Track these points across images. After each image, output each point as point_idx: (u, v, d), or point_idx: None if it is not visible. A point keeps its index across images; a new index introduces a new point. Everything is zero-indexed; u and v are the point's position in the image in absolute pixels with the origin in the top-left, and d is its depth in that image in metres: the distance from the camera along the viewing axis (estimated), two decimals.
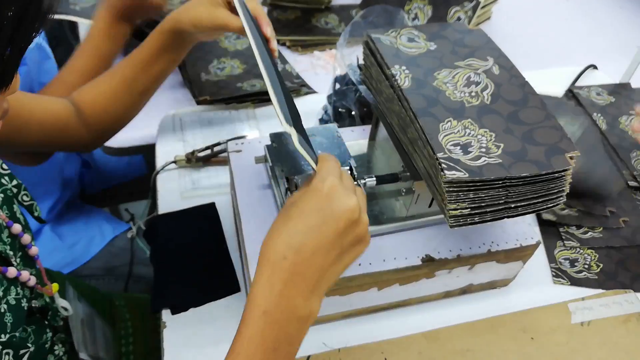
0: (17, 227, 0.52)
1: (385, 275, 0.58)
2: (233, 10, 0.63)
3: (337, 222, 0.41)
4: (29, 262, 0.55)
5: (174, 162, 0.80)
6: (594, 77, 1.09)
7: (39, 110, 0.64)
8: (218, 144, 0.82)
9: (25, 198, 0.55)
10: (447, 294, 0.66)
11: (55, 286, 0.58)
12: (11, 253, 0.51)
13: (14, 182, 0.54)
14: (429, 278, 0.61)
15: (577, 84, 1.06)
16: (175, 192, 0.78)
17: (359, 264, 0.57)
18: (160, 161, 0.82)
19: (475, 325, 0.64)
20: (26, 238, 0.54)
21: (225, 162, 0.82)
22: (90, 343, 0.62)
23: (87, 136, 0.71)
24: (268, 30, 0.62)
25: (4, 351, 0.49)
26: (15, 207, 0.54)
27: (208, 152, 0.81)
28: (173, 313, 0.63)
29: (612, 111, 0.98)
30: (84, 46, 0.81)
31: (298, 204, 0.42)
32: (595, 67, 1.10)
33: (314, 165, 0.44)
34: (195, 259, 0.69)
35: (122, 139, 0.89)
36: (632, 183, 0.85)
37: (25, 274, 0.51)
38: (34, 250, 0.55)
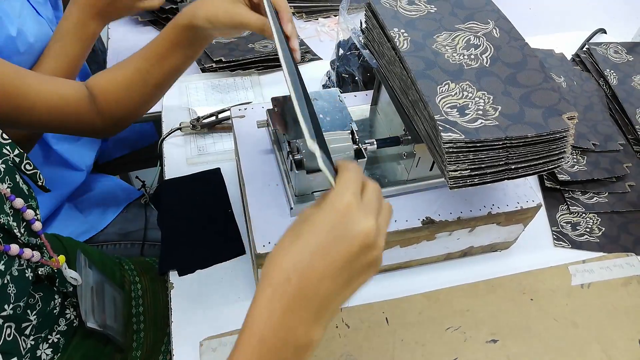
0: (19, 202, 0.51)
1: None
2: (254, 7, 0.58)
3: (349, 245, 0.36)
4: (32, 236, 0.54)
5: (179, 128, 0.81)
6: (603, 41, 1.07)
7: (46, 92, 0.62)
8: (222, 110, 0.82)
9: (27, 167, 0.54)
10: (448, 257, 0.67)
11: (62, 258, 0.57)
12: (14, 224, 0.50)
13: (16, 152, 0.52)
14: (429, 240, 0.62)
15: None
16: (181, 158, 0.79)
17: None
18: (166, 128, 0.83)
19: (475, 286, 0.65)
20: (29, 213, 0.52)
21: (230, 128, 0.83)
22: (98, 311, 0.62)
23: (100, 124, 0.68)
24: (289, 27, 0.55)
25: (6, 324, 0.48)
26: (18, 177, 0.52)
27: (213, 118, 0.82)
28: (180, 274, 0.65)
29: (627, 69, 0.97)
30: (52, 48, 0.77)
31: (310, 220, 0.38)
32: (604, 31, 1.07)
33: (332, 181, 0.40)
34: (201, 223, 0.70)
35: None
36: (637, 148, 0.84)
37: (28, 252, 0.50)
38: (37, 226, 0.54)
